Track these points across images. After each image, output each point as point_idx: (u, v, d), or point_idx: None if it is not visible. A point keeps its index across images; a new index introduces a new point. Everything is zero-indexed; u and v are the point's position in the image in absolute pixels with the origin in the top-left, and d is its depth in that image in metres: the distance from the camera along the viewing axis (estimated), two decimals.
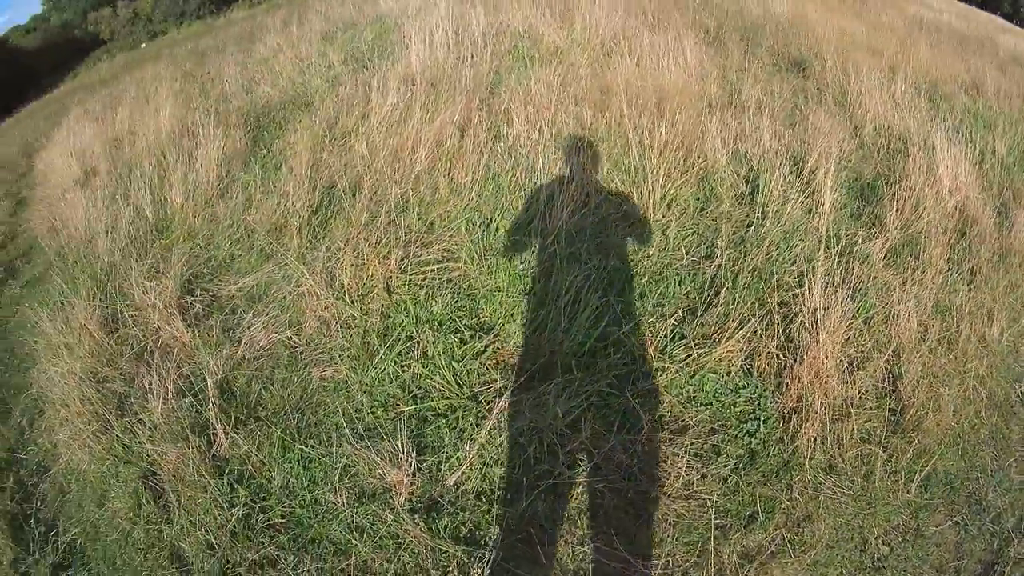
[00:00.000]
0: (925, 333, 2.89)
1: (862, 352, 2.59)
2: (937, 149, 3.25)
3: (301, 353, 2.67)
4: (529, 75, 3.43)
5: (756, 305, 2.41)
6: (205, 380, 2.54)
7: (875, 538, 2.28)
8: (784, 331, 2.41)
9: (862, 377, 2.58)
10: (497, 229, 2.59)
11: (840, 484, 2.36)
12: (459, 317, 2.42)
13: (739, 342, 2.33)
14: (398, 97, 3.26)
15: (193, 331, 2.91)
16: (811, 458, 2.34)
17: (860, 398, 2.55)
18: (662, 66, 3.43)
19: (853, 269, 2.66)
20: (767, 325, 2.40)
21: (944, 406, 2.75)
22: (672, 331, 2.33)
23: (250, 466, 2.24)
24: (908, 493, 2.43)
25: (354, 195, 2.84)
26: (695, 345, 2.30)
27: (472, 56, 3.78)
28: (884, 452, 2.48)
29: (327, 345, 2.63)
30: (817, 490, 2.32)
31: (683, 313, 2.36)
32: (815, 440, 2.37)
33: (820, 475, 2.35)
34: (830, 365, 2.44)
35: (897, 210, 2.95)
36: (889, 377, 2.69)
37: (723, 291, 2.41)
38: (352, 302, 2.60)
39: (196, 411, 2.47)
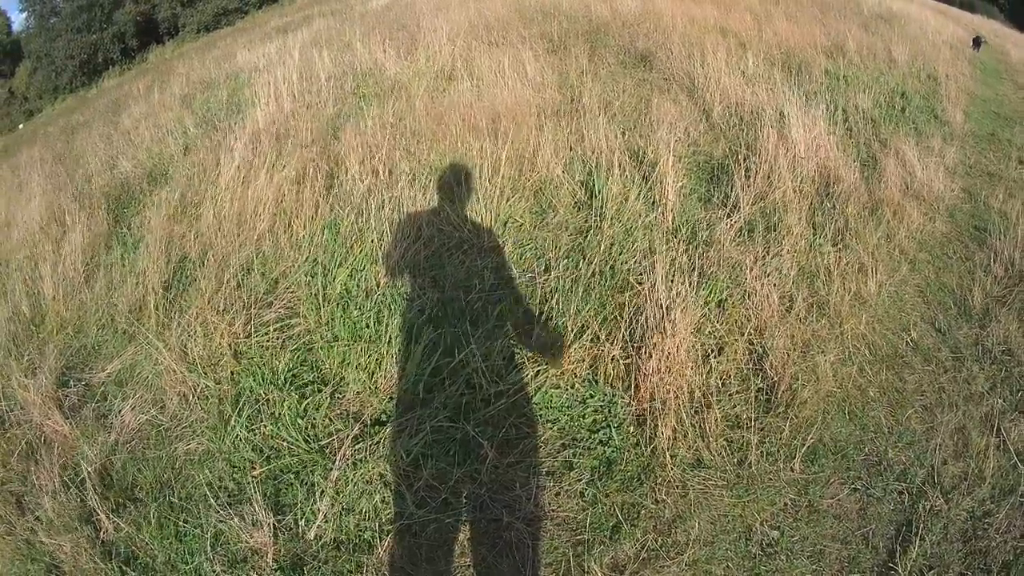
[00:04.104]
0: (791, 304, 2.86)
1: (717, 338, 2.56)
2: (789, 117, 3.24)
3: (167, 430, 2.67)
4: (366, 115, 3.42)
5: (596, 310, 2.39)
6: (86, 470, 2.51)
7: (760, 524, 2.22)
8: (628, 332, 2.38)
9: (721, 363, 2.55)
10: (334, 279, 2.57)
11: (711, 477, 2.31)
12: (302, 372, 2.40)
13: (578, 351, 2.30)
14: (242, 157, 3.25)
15: (71, 422, 2.93)
16: (673, 456, 2.30)
17: (721, 385, 2.52)
18: (501, 84, 3.43)
19: (701, 254, 2.64)
20: (609, 329, 2.37)
21: (822, 374, 2.72)
22: (509, 352, 2.30)
23: (135, 547, 2.25)
24: (792, 471, 2.38)
25: (203, 264, 2.82)
26: (534, 363, 2.27)
27: (317, 103, 3.78)
28: (756, 435, 2.43)
29: (188, 418, 2.62)
30: (685, 487, 2.27)
31: (520, 332, 2.33)
32: (673, 438, 2.33)
33: (687, 472, 2.30)
34: (681, 358, 2.41)
35: (748, 185, 2.93)
36: (754, 357, 2.66)
37: (561, 301, 2.37)
38: (205, 372, 2.58)
39: (81, 501, 2.45)
